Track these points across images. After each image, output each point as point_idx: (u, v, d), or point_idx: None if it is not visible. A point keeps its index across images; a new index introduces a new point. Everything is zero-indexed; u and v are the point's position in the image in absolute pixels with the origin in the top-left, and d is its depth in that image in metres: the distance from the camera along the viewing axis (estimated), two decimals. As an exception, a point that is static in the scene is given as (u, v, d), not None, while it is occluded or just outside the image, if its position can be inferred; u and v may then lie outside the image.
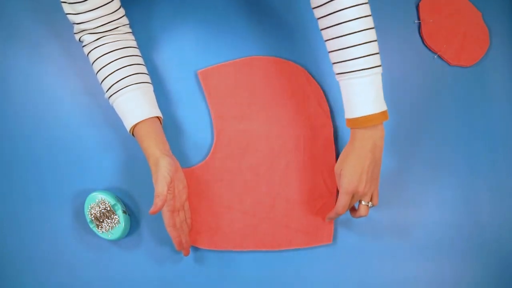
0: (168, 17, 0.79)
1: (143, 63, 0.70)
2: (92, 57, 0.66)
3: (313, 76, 0.78)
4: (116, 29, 0.67)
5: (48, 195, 0.72)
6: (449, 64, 0.83)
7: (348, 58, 0.60)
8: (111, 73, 0.65)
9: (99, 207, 0.68)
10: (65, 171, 0.72)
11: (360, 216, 0.67)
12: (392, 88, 0.80)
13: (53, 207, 0.71)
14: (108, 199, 0.68)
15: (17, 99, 0.76)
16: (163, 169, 0.61)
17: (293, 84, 0.77)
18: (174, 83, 0.77)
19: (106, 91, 0.66)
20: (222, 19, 0.80)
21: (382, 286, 0.71)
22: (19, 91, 0.76)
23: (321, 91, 0.78)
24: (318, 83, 0.78)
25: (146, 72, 0.69)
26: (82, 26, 0.64)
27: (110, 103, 0.67)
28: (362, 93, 0.61)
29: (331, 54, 0.64)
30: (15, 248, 0.71)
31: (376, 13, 0.82)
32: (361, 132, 0.63)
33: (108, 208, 0.68)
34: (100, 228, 0.68)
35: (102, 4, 0.63)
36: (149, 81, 0.69)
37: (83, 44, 0.67)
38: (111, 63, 0.65)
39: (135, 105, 0.65)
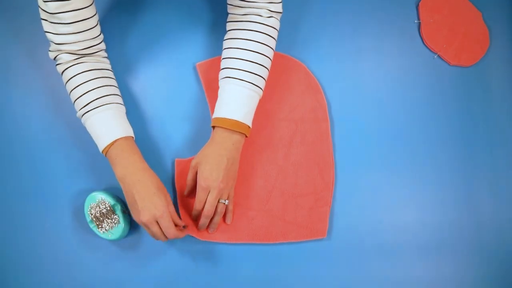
0: (169, 10, 0.80)
1: (117, 85, 0.69)
2: (66, 75, 0.65)
3: (311, 71, 0.78)
4: (96, 53, 0.67)
5: (48, 195, 0.72)
6: (449, 64, 0.83)
7: (240, 68, 0.66)
8: (85, 93, 0.64)
9: (99, 207, 0.68)
10: (65, 171, 0.72)
11: (217, 214, 0.67)
12: (392, 88, 0.80)
13: (53, 207, 0.71)
14: (108, 199, 0.68)
15: (18, 99, 0.76)
16: (168, 199, 0.64)
17: (291, 78, 0.78)
18: (173, 76, 0.77)
19: (79, 110, 0.65)
20: (222, 12, 0.80)
21: (380, 284, 0.71)
22: (21, 90, 0.76)
23: (319, 85, 0.78)
24: (316, 78, 0.78)
25: (119, 94, 0.69)
26: (62, 47, 0.63)
27: (82, 122, 0.66)
28: (240, 100, 0.66)
29: (224, 60, 0.69)
30: (15, 248, 0.71)
31: (376, 13, 0.84)
32: (224, 132, 0.66)
33: (108, 208, 0.68)
34: (100, 228, 0.68)
35: (86, 29, 0.63)
36: (122, 103, 0.69)
37: (58, 62, 0.66)
38: (86, 83, 0.64)
39: (110, 123, 0.64)
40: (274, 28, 0.68)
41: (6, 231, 0.71)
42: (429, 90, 0.81)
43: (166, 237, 0.63)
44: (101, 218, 0.68)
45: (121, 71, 0.77)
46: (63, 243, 0.70)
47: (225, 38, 0.70)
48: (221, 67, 0.69)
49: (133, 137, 0.67)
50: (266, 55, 0.67)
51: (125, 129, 0.65)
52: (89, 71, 0.65)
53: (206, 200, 0.65)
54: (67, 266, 0.70)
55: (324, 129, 0.76)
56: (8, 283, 0.70)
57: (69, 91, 0.66)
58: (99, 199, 0.68)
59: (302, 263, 0.71)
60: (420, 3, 0.85)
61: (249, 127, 0.67)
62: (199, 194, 0.65)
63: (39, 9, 0.60)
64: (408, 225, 0.74)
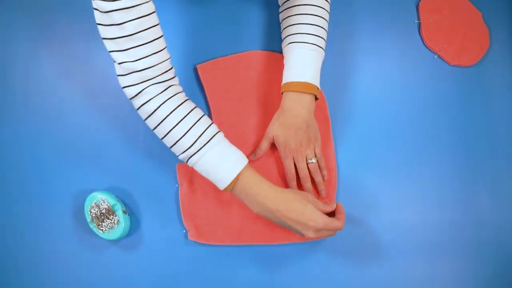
0: (169, 11, 0.80)
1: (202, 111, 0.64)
2: (159, 115, 0.59)
3: None
4: (173, 78, 0.62)
5: (48, 195, 0.72)
6: (449, 64, 0.83)
7: (303, 32, 0.68)
8: (185, 134, 0.60)
9: (99, 207, 0.68)
10: (65, 171, 0.73)
11: (314, 174, 0.70)
12: (392, 88, 0.80)
13: (53, 207, 0.71)
14: (108, 199, 0.68)
15: (18, 100, 0.76)
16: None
17: None
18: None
19: (181, 153, 0.61)
20: (222, 13, 0.80)
21: (380, 284, 0.71)
22: (20, 91, 0.76)
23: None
24: None
25: (211, 120, 0.64)
26: (147, 73, 0.57)
27: (190, 164, 0.62)
28: (305, 62, 0.68)
29: (286, 28, 0.71)
30: (15, 248, 0.71)
31: (376, 13, 0.84)
32: (294, 96, 0.67)
33: (108, 208, 0.68)
34: (100, 228, 0.68)
35: (160, 50, 0.58)
36: (216, 126, 0.64)
37: (145, 98, 0.58)
38: (182, 122, 0.59)
39: (222, 161, 0.61)
40: None
41: (7, 231, 0.71)
42: (429, 90, 0.81)
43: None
44: (101, 218, 0.68)
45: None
46: (63, 243, 0.70)
47: (280, 11, 0.74)
48: (283, 37, 0.73)
49: (247, 162, 0.63)
50: (323, 16, 0.69)
51: (238, 159, 0.62)
52: (180, 106, 0.60)
53: (296, 166, 0.69)
54: (67, 266, 0.70)
55: (325, 130, 0.76)
56: (9, 282, 0.70)
57: (164, 133, 0.60)
58: (99, 199, 0.68)
59: (302, 263, 0.71)
60: (420, 3, 0.85)
61: (318, 88, 0.68)
62: (285, 163, 0.69)
63: (107, 41, 0.55)
64: (408, 225, 0.74)
